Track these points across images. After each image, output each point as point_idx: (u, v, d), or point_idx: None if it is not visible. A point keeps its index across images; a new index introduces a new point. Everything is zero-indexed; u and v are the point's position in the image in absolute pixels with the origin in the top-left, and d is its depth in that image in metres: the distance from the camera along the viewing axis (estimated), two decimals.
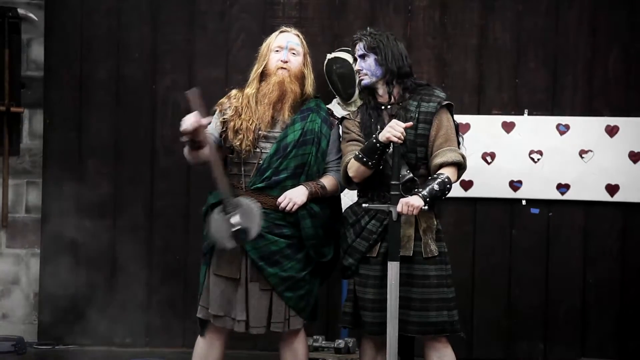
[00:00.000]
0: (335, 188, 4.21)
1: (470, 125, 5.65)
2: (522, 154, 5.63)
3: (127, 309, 5.75)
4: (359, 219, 4.08)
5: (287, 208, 4.06)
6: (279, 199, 4.08)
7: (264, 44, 4.24)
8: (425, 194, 3.88)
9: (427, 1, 5.72)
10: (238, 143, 4.12)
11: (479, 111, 5.69)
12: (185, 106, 5.71)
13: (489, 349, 5.69)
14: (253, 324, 4.09)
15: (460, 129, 4.17)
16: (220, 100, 4.28)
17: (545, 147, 5.62)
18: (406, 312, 3.97)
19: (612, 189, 5.58)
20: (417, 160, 4.03)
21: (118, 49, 5.82)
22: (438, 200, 3.95)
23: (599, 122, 5.61)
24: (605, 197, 5.59)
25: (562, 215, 5.65)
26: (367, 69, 4.08)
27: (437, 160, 3.98)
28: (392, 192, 3.91)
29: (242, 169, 4.15)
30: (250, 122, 4.12)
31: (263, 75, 4.19)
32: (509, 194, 5.65)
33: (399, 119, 3.98)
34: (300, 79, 4.18)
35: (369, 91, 4.13)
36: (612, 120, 5.59)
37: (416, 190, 3.92)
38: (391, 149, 3.91)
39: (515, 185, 5.64)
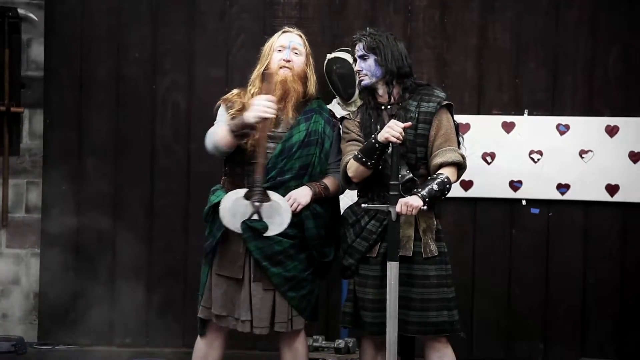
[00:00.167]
0: (337, 189, 4.22)
1: (470, 125, 5.65)
2: (522, 154, 5.63)
3: (127, 308, 5.75)
4: (358, 219, 4.07)
5: (292, 208, 4.06)
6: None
7: (267, 44, 4.24)
8: (425, 194, 3.88)
9: (427, 1, 5.72)
10: (243, 141, 4.11)
11: (479, 111, 5.69)
12: (184, 107, 5.79)
13: (489, 349, 5.69)
14: (256, 324, 4.08)
15: (460, 129, 4.16)
16: (226, 96, 4.25)
17: (545, 147, 5.62)
18: (406, 312, 3.96)
19: (612, 189, 5.58)
20: (416, 160, 4.02)
21: (118, 49, 5.82)
22: (437, 201, 3.95)
23: (599, 122, 5.61)
24: (605, 197, 5.59)
25: (562, 215, 5.65)
26: (367, 69, 4.07)
27: (437, 160, 3.98)
28: (391, 192, 3.91)
29: (245, 168, 4.14)
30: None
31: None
32: (509, 194, 5.65)
33: (398, 119, 3.98)
34: (303, 78, 4.18)
35: (369, 91, 4.12)
36: (612, 120, 5.59)
37: (415, 190, 3.92)
38: (390, 149, 3.91)
39: (515, 185, 5.64)
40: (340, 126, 4.23)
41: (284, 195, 4.07)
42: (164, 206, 5.80)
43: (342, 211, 4.27)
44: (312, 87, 4.21)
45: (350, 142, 4.10)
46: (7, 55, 5.76)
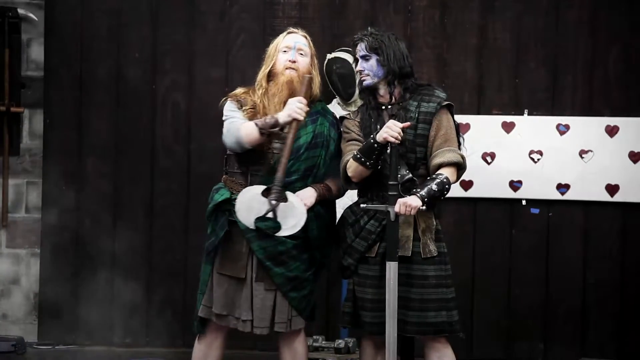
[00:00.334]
0: (339, 190, 4.23)
1: (470, 125, 5.65)
2: (522, 154, 5.63)
3: (127, 309, 5.75)
4: (358, 219, 4.08)
5: None
6: None
7: (272, 45, 4.23)
8: (424, 194, 3.88)
9: (427, 1, 5.72)
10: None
11: (479, 111, 5.69)
12: (184, 107, 5.79)
13: (489, 349, 5.69)
14: (257, 324, 4.08)
15: (460, 129, 4.16)
16: (234, 92, 4.24)
17: (545, 147, 5.62)
18: (405, 312, 3.96)
19: (612, 189, 5.58)
20: (416, 160, 4.02)
21: (118, 49, 5.82)
22: (437, 201, 3.95)
23: (599, 122, 5.60)
24: (605, 197, 5.59)
25: (562, 215, 5.65)
26: (369, 69, 4.07)
27: (436, 160, 3.98)
28: (390, 192, 3.91)
29: (250, 167, 4.14)
30: None
31: (270, 76, 4.18)
32: (509, 194, 5.65)
33: (398, 119, 3.98)
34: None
35: (370, 91, 4.12)
36: (612, 120, 5.59)
37: (414, 190, 3.92)
38: (389, 150, 3.91)
39: (515, 185, 5.64)
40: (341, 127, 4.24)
41: None
42: (164, 206, 5.80)
43: (338, 211, 4.28)
44: (317, 88, 4.21)
45: (350, 142, 4.10)
46: (7, 55, 5.76)
